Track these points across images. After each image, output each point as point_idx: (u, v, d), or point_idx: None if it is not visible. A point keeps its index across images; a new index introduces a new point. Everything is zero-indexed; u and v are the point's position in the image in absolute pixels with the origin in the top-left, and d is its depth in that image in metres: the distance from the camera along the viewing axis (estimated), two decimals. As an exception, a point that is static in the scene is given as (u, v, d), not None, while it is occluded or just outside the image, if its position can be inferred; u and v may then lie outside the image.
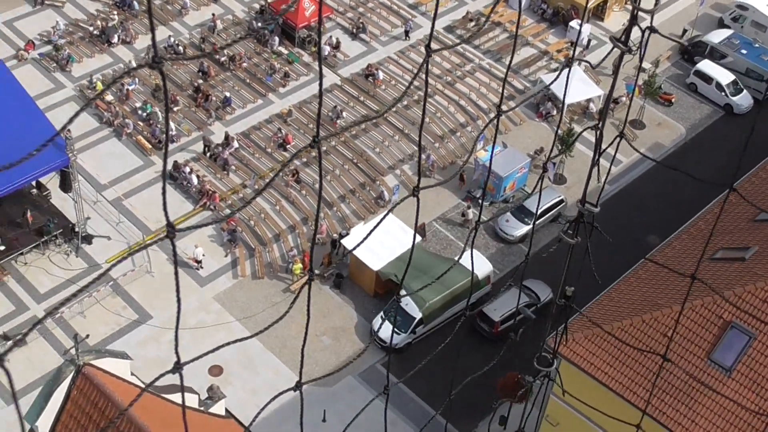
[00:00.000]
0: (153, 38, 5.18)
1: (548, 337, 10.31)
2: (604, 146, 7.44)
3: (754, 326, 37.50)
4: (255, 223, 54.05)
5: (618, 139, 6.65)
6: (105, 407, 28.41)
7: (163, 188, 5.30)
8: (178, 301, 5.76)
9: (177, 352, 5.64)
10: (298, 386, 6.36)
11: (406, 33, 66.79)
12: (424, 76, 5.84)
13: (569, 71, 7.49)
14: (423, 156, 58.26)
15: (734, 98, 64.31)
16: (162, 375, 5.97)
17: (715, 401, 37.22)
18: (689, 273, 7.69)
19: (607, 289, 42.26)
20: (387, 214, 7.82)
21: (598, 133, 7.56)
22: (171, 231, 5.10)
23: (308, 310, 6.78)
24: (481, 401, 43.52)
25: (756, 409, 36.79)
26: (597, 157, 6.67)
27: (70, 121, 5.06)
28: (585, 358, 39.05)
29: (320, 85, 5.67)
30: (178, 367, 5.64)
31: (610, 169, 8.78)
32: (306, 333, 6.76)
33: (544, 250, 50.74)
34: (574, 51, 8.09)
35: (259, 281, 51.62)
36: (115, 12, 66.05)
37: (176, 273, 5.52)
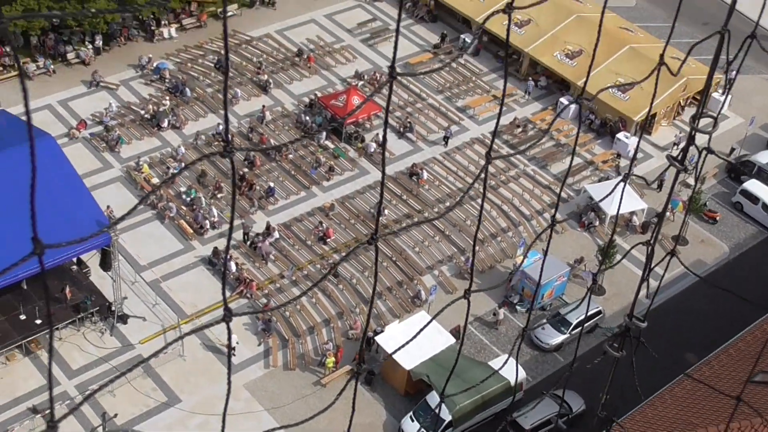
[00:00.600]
0: (226, 128, 5.29)
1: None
2: (652, 262, 7.45)
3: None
4: (290, 314, 54.04)
5: (669, 257, 6.64)
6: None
7: (223, 277, 5.35)
8: (229, 383, 5.78)
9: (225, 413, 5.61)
10: None
11: (446, 139, 67.00)
12: (481, 182, 5.87)
13: (624, 187, 7.50)
14: (462, 258, 58.30)
15: (780, 220, 64.06)
16: None
17: None
18: (730, 394, 7.57)
19: (642, 404, 41.72)
20: (436, 316, 7.85)
21: (649, 249, 7.57)
22: (228, 315, 5.13)
23: (353, 405, 6.78)
24: None
25: None
26: (647, 273, 6.65)
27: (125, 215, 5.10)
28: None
29: (381, 186, 5.73)
30: None
31: (659, 287, 8.76)
32: (349, 428, 6.71)
33: (580, 361, 50.22)
34: (631, 166, 8.00)
35: (290, 372, 51.43)
36: (167, 97, 67.09)
37: (229, 358, 5.53)
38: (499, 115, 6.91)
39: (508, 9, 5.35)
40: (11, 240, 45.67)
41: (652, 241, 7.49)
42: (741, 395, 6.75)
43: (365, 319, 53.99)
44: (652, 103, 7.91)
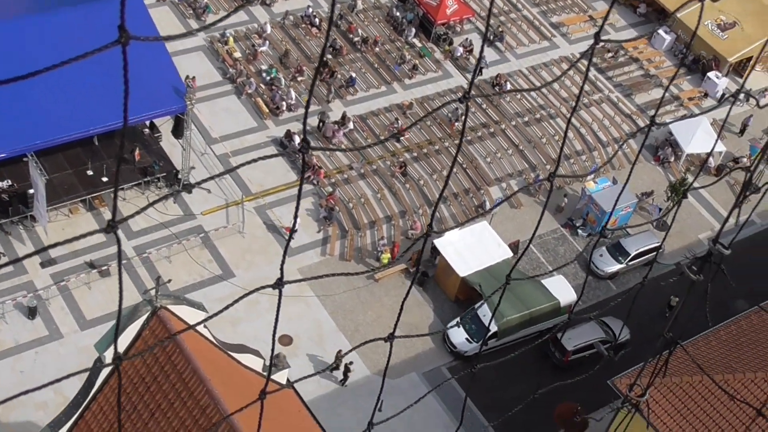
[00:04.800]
0: None
1: (646, 365, 10.02)
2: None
3: None
4: (354, 206, 54.12)
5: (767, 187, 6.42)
6: (173, 352, 28.62)
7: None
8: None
9: (282, 269, 5.50)
10: (390, 338, 6.25)
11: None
12: (564, 100, 5.61)
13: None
14: (532, 174, 57.88)
15: None
16: (262, 288, 5.88)
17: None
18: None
19: (708, 331, 41.61)
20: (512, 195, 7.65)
21: (747, 176, 7.35)
22: (306, 147, 4.92)
23: (402, 304, 6.69)
24: (536, 425, 43.12)
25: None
26: (740, 200, 6.43)
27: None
28: (651, 406, 38.35)
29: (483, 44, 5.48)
30: (279, 283, 5.53)
31: (750, 215, 8.51)
32: (397, 320, 6.61)
33: (637, 290, 49.96)
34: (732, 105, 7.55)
35: (345, 263, 51.67)
36: (261, -27, 66.62)
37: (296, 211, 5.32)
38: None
39: None
40: (85, 92, 46.04)
41: (752, 168, 7.27)
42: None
43: (424, 221, 53.97)
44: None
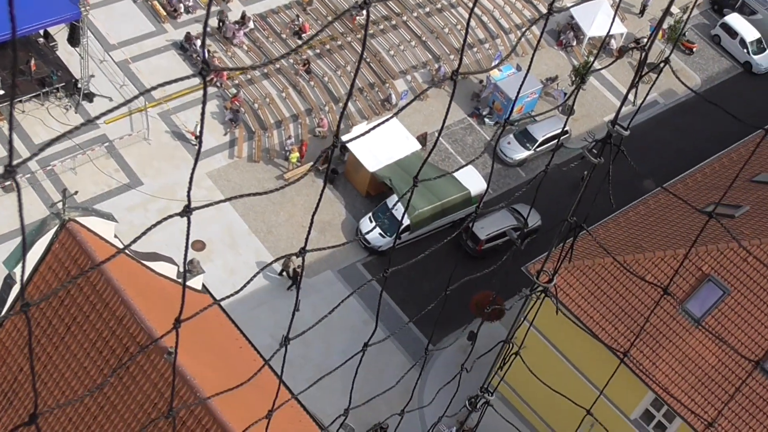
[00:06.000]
0: None
1: (553, 251, 10.15)
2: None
3: (730, 283, 37.71)
4: (259, 106, 53.62)
5: (663, 64, 6.44)
6: (84, 264, 28.31)
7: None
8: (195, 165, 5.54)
9: (189, 195, 5.43)
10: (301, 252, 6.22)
11: None
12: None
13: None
14: (436, 65, 57.79)
15: (755, 57, 63.55)
16: (169, 217, 5.81)
17: (680, 349, 37.53)
18: (702, 211, 7.49)
19: (613, 215, 42.36)
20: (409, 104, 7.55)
21: (643, 54, 7.38)
22: (206, 69, 4.79)
23: (318, 203, 6.62)
24: (454, 314, 43.75)
25: (716, 362, 37.25)
26: (637, 79, 6.45)
27: None
28: (563, 290, 39.12)
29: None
30: (187, 211, 5.45)
31: (648, 94, 8.62)
32: (313, 219, 6.56)
33: (545, 175, 50.47)
34: None
35: (254, 164, 51.39)
36: None
37: (203, 113, 5.18)
38: None
39: None
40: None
41: (646, 47, 7.30)
42: (714, 211, 6.66)
43: (331, 118, 53.72)
44: None
